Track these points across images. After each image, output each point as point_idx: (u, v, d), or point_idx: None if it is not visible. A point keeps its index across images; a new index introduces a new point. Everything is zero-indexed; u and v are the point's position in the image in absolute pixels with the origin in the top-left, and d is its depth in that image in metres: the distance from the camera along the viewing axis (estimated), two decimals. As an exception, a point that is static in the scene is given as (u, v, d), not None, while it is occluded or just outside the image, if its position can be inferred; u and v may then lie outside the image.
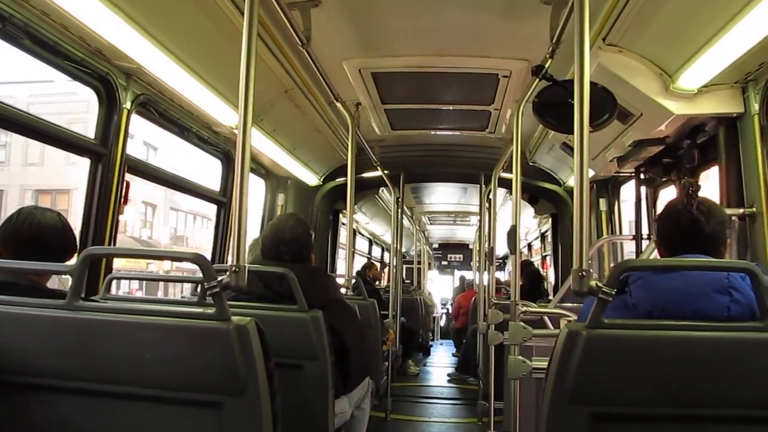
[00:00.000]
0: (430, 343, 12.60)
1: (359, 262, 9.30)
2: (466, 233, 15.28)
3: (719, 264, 1.80)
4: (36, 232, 2.07)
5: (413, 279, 12.86)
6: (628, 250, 5.24)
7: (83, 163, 2.93)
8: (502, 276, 14.51)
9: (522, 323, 2.91)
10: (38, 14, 2.47)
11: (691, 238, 1.87)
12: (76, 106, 17.93)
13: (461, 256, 17.96)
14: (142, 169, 3.42)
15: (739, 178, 3.02)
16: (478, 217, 10.92)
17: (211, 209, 4.53)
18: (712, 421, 1.50)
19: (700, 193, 1.93)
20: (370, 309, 4.57)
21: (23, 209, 2.14)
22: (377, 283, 8.81)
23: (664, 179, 4.07)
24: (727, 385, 1.47)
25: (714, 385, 1.47)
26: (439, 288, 18.04)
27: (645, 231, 4.33)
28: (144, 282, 21.95)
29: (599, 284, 1.54)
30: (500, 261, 15.09)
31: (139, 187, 3.27)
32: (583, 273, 1.61)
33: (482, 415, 5.43)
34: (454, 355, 11.50)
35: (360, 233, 11.07)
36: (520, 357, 2.87)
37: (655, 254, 3.33)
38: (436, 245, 17.54)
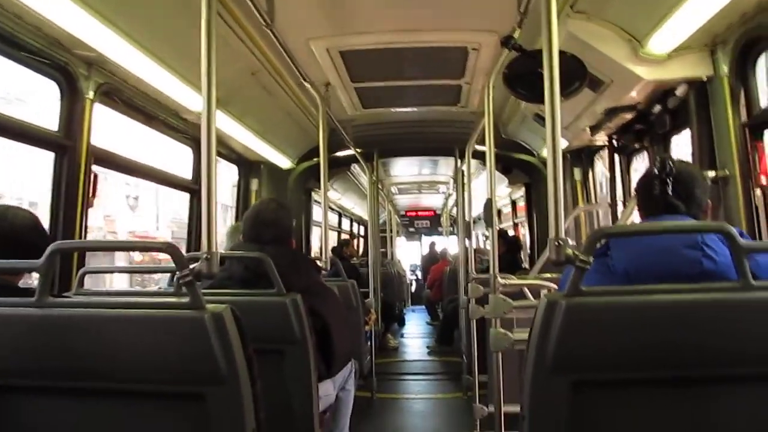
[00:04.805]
0: (404, 311, 12.68)
1: (331, 238, 9.29)
2: (433, 200, 15.42)
3: (694, 226, 1.82)
4: (10, 233, 2.01)
5: (386, 249, 12.87)
6: (602, 219, 5.29)
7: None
8: (473, 243, 14.61)
9: (502, 296, 2.92)
10: None
11: (664, 205, 1.89)
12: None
13: (428, 222, 18.16)
14: (109, 160, 3.35)
15: (711, 142, 3.03)
16: (447, 186, 11.04)
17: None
18: (693, 383, 1.51)
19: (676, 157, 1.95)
20: (350, 290, 4.55)
21: None
22: (354, 259, 8.83)
23: (636, 146, 4.09)
24: (707, 347, 1.48)
25: (694, 347, 1.48)
26: (408, 255, 18.27)
27: (620, 198, 4.35)
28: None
29: (576, 252, 1.53)
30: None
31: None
32: (560, 242, 1.60)
33: (467, 389, 5.47)
34: (428, 323, 11.59)
35: (330, 208, 11.06)
36: (502, 330, 2.87)
37: (631, 220, 3.38)
38: (402, 212, 17.67)
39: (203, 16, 1.80)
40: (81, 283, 2.69)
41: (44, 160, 2.97)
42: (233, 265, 2.67)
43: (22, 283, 2.04)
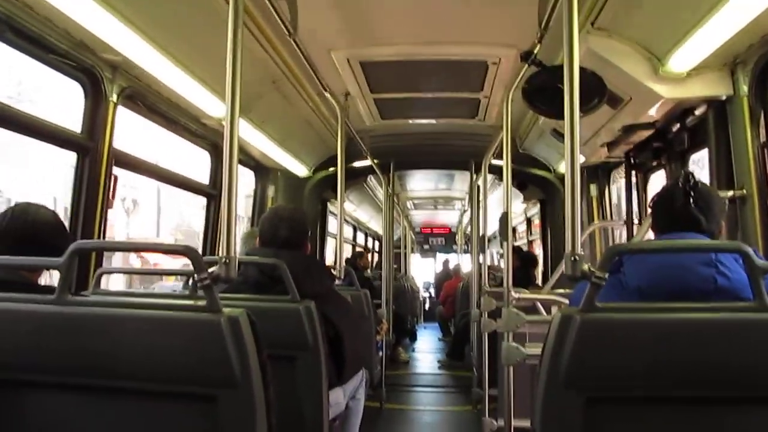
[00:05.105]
0: (416, 326, 12.65)
1: (345, 250, 9.30)
2: (449, 217, 15.36)
3: (710, 245, 1.81)
4: (31, 229, 2.04)
5: (399, 264, 12.89)
6: (618, 236, 5.26)
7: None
8: (487, 259, 14.64)
9: (515, 310, 2.91)
10: (21, 6, 2.43)
11: (684, 219, 1.88)
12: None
13: (443, 239, 18.04)
14: (129, 163, 3.39)
15: (729, 161, 3.02)
16: (462, 202, 11.05)
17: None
18: (707, 403, 1.50)
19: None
20: (362, 299, 4.56)
21: (17, 205, 2.11)
22: (367, 271, 8.85)
23: (653, 164, 4.08)
24: (721, 367, 1.47)
25: (709, 367, 1.47)
26: (422, 271, 18.19)
27: (635, 216, 4.34)
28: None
29: (592, 268, 1.53)
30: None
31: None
32: (576, 257, 1.61)
33: (477, 403, 5.44)
34: (440, 339, 11.55)
35: (345, 220, 11.08)
36: (514, 344, 2.86)
37: (647, 238, 3.36)
38: (417, 229, 17.64)
39: (230, 26, 1.82)
40: (98, 283, 2.72)
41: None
42: (249, 269, 2.69)
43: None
